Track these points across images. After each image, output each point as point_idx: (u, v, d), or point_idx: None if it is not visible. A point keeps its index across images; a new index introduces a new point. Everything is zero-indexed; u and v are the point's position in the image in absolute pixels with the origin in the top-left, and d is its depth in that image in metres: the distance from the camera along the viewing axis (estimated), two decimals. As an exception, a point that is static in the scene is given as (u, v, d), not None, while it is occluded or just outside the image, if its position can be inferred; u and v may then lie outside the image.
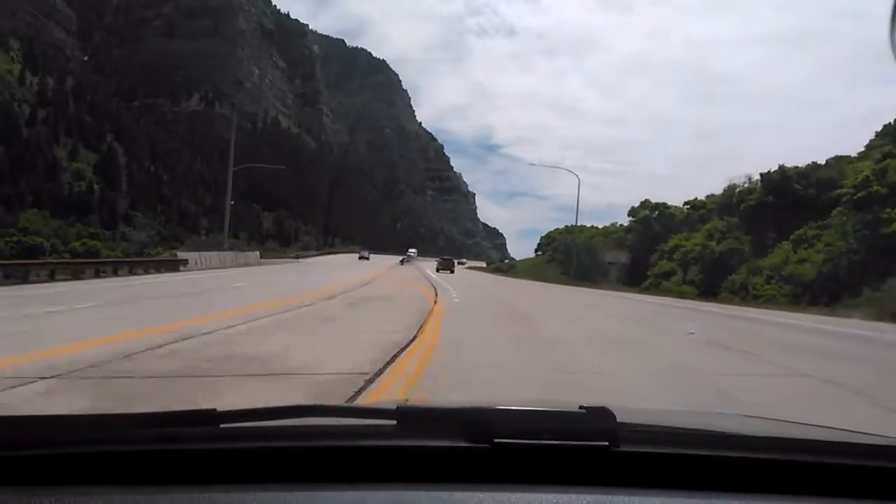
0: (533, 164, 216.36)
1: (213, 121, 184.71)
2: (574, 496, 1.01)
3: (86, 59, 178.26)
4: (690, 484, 1.08)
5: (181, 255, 40.85)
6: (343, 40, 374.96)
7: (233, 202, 54.60)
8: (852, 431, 1.59)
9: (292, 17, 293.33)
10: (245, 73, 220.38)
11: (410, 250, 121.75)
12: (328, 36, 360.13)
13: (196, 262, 38.76)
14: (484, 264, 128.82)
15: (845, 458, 1.16)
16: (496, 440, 1.05)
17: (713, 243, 50.25)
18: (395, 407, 1.19)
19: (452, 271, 58.49)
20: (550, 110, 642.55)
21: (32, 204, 70.17)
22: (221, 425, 1.15)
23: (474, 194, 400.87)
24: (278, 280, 31.12)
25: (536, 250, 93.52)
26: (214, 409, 1.17)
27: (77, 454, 1.06)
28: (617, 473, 1.08)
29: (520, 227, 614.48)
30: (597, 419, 1.09)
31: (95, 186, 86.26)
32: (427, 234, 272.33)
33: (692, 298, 38.89)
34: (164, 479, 1.04)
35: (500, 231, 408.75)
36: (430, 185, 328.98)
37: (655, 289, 49.71)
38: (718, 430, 1.49)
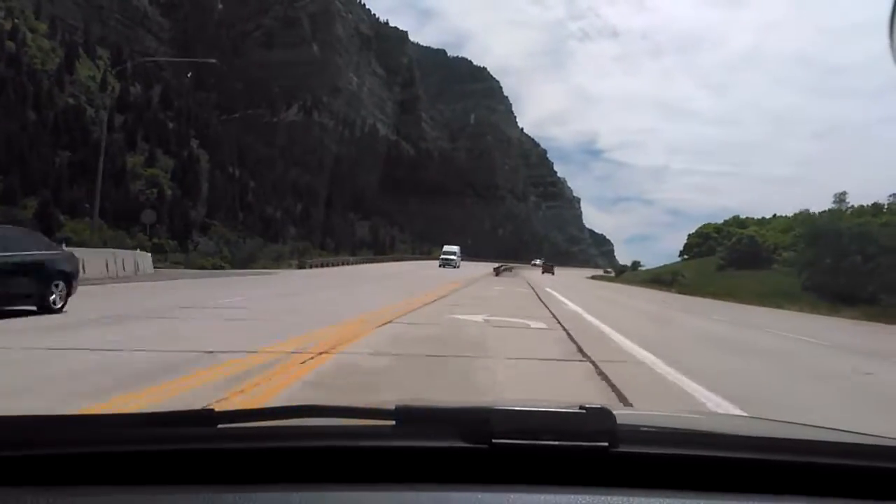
0: None
1: (312, 130, 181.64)
2: (573, 497, 1.00)
3: (189, 75, 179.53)
4: (690, 484, 1.07)
5: None
6: (444, 50, 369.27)
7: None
8: (851, 432, 1.57)
9: (391, 25, 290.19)
10: (343, 81, 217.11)
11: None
12: (429, 47, 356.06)
13: None
14: (593, 270, 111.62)
15: (845, 458, 1.15)
16: (494, 440, 1.04)
17: None
18: (394, 407, 1.17)
19: (553, 273, 76.05)
20: (656, 112, 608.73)
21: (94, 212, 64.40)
22: (219, 425, 1.14)
23: (579, 200, 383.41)
24: None
25: (682, 253, 77.72)
26: (212, 410, 1.17)
27: (74, 454, 1.05)
28: (616, 474, 1.07)
29: (626, 233, 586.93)
30: (596, 419, 1.08)
31: (168, 193, 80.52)
32: (531, 240, 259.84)
33: None
34: (161, 479, 1.03)
35: (607, 237, 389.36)
36: (533, 191, 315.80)
37: None
38: (718, 430, 1.49)
